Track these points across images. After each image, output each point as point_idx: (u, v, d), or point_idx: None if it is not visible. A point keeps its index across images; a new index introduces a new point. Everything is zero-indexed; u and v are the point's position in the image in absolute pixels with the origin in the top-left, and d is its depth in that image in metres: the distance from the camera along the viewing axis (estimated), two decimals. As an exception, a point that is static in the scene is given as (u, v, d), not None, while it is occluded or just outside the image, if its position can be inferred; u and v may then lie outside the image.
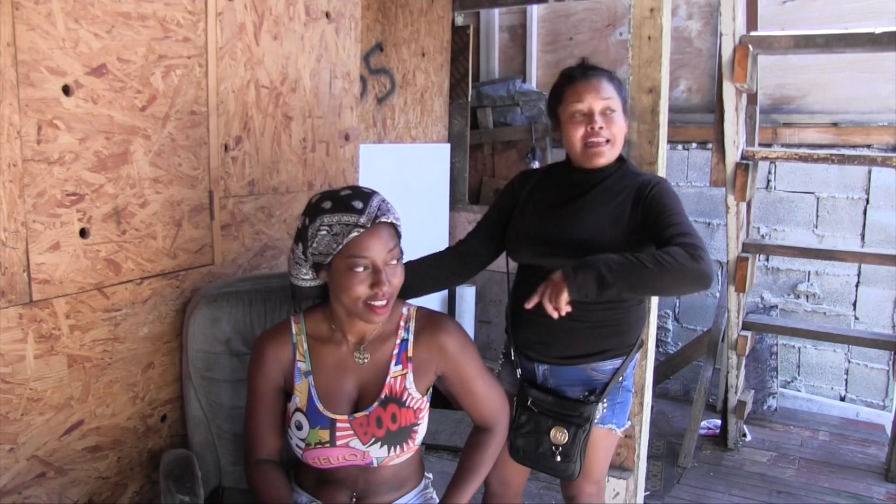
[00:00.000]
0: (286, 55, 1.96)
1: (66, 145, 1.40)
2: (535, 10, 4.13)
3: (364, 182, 2.06)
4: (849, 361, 3.54)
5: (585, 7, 4.02)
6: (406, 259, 1.39)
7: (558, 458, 1.58)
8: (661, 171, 1.94)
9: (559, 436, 1.57)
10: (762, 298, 3.66)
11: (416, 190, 3.52)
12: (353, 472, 1.38)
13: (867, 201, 3.38)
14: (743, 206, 2.79)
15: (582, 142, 1.55)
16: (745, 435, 3.23)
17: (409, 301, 1.48)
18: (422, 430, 1.40)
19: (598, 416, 1.60)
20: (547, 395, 1.60)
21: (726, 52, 2.44)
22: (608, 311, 1.58)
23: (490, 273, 3.47)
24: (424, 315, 1.43)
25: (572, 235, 1.54)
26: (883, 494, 2.73)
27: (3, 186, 1.29)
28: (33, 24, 1.31)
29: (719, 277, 3.66)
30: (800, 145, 3.43)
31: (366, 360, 1.37)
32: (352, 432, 1.34)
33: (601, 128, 1.53)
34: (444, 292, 3.77)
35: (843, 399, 3.58)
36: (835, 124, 3.41)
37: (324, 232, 1.27)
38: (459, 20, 3.91)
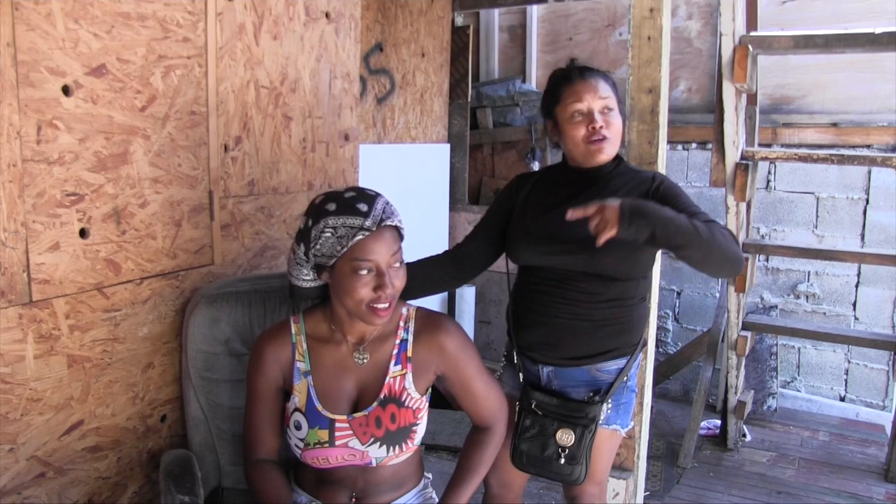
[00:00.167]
0: (286, 55, 1.96)
1: (65, 145, 1.40)
2: (534, 11, 4.13)
3: (363, 182, 2.07)
4: (848, 362, 3.54)
5: (585, 7, 4.02)
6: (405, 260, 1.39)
7: (563, 461, 1.57)
8: (661, 172, 1.94)
9: (565, 438, 1.56)
10: (762, 299, 3.66)
11: (415, 190, 3.52)
12: (353, 472, 1.38)
13: (867, 201, 3.38)
14: (743, 206, 2.79)
15: (584, 141, 1.55)
16: (744, 435, 3.22)
17: (409, 301, 1.48)
18: (421, 430, 1.40)
19: (602, 417, 1.59)
20: (551, 398, 1.59)
21: (726, 53, 2.44)
22: (612, 309, 1.58)
23: (490, 273, 3.47)
24: (424, 315, 1.43)
25: (576, 233, 1.54)
26: (882, 495, 2.73)
27: (2, 186, 1.29)
28: (33, 25, 1.31)
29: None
30: (799, 145, 3.43)
31: (365, 360, 1.37)
32: (351, 432, 1.34)
33: (601, 126, 1.54)
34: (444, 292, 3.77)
35: (842, 399, 3.58)
36: (834, 124, 3.41)
37: (328, 234, 1.27)
38: (459, 20, 3.91)
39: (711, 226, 1.41)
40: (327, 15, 2.11)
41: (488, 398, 1.46)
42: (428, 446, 2.82)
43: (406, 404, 1.37)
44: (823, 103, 3.46)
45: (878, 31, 2.29)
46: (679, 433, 3.20)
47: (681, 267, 3.76)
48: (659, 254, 1.72)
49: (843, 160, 2.62)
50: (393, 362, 1.38)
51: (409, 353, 1.39)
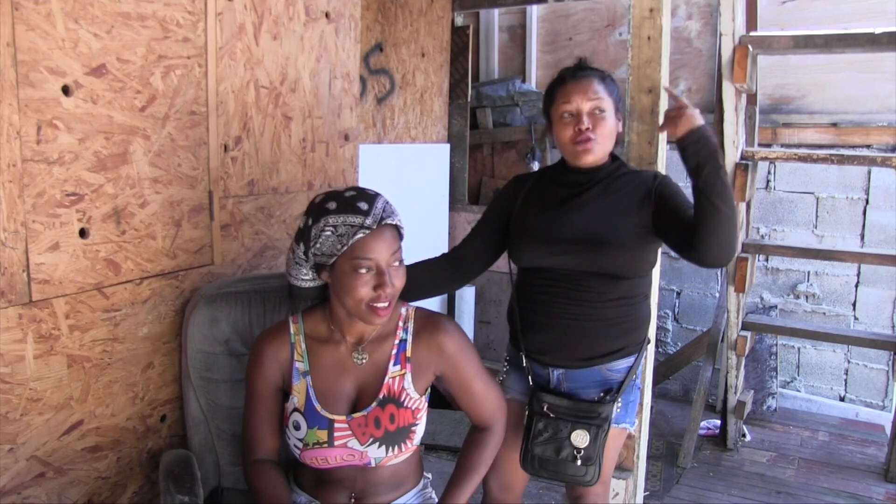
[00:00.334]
0: (286, 55, 1.96)
1: (65, 145, 1.40)
2: (534, 11, 4.14)
3: (363, 182, 2.06)
4: (848, 362, 3.54)
5: (585, 7, 4.02)
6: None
7: (579, 463, 1.56)
8: (661, 172, 1.94)
9: (580, 439, 1.56)
10: (762, 299, 3.66)
11: (415, 190, 3.52)
12: (352, 472, 1.38)
13: (867, 201, 3.38)
14: (742, 206, 2.79)
15: (570, 141, 1.56)
16: (744, 435, 3.23)
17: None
18: (420, 431, 1.40)
19: (613, 416, 1.59)
20: (562, 400, 1.59)
21: (726, 53, 2.44)
22: (620, 307, 1.58)
23: (490, 273, 3.46)
24: (423, 315, 1.43)
25: (579, 232, 1.54)
26: (882, 495, 2.73)
27: (2, 186, 1.29)
28: (33, 25, 1.31)
29: (719, 277, 3.66)
30: (799, 145, 3.43)
31: (364, 361, 1.37)
32: (350, 433, 1.34)
33: (587, 128, 1.53)
34: (444, 292, 3.77)
35: (842, 399, 3.58)
36: (834, 124, 3.41)
37: (328, 232, 1.27)
38: (459, 20, 3.91)
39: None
40: (327, 15, 2.11)
41: (487, 398, 1.46)
42: (428, 446, 2.82)
43: (405, 404, 1.37)
44: (823, 103, 3.46)
45: (878, 31, 2.30)
46: (679, 433, 3.20)
47: (681, 267, 3.76)
48: (659, 253, 1.72)
49: (842, 160, 2.62)
50: (392, 362, 1.38)
51: (409, 354, 1.39)
